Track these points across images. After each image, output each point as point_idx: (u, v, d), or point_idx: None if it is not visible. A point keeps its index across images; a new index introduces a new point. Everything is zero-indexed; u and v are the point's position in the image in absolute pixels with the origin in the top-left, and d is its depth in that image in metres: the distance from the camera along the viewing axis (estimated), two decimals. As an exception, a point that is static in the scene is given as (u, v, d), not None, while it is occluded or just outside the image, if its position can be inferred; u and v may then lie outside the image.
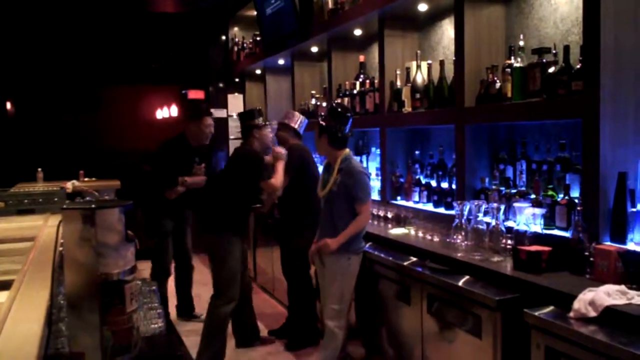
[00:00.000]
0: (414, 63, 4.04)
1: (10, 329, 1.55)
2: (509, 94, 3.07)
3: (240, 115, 4.53)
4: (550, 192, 2.90)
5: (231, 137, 8.44)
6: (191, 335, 4.46)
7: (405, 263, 3.31)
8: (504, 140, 3.44)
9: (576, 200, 2.76)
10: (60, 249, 3.12)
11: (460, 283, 2.81)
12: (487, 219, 3.11)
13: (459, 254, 3.08)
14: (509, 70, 3.07)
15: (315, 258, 3.64)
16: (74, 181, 6.39)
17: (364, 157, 4.98)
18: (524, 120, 3.07)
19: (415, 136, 4.37)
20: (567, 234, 2.75)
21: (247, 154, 4.24)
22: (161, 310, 2.31)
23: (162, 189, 4.69)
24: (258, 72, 7.47)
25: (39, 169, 6.87)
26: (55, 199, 4.24)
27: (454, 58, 3.60)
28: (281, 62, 6.62)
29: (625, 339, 1.95)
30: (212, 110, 9.33)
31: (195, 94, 15.39)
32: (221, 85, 9.68)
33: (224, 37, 8.80)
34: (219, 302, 4.01)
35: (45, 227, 3.40)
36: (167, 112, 16.20)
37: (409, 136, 4.39)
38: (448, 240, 3.34)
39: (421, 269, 3.14)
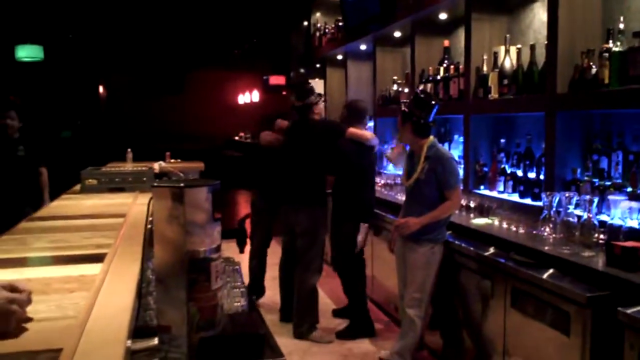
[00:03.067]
0: (502, 47, 3.88)
1: (104, 301, 1.63)
2: (606, 80, 2.90)
3: (299, 91, 4.46)
4: (649, 185, 2.72)
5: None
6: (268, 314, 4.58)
7: (488, 254, 3.21)
8: (598, 130, 3.26)
9: (680, 195, 2.58)
10: (150, 225, 3.27)
11: (547, 277, 2.70)
12: (578, 212, 2.96)
13: (546, 247, 2.95)
14: (606, 54, 2.89)
15: (396, 244, 3.62)
16: (161, 162, 6.65)
17: (446, 145, 4.87)
18: (622, 108, 2.89)
19: (500, 124, 4.21)
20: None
21: (329, 126, 4.36)
22: (244, 289, 2.36)
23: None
24: (339, 57, 7.45)
25: (129, 150, 7.19)
26: (144, 179, 4.41)
27: (545, 42, 3.45)
28: (363, 47, 6.57)
29: None
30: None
31: (276, 80, 15.65)
32: (302, 70, 9.75)
33: (305, 23, 8.84)
34: (309, 275, 4.13)
35: (134, 204, 3.56)
36: (248, 97, 16.59)
37: (494, 124, 4.24)
38: (534, 232, 3.21)
39: (505, 260, 3.04)
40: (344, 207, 4.35)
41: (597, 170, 3.13)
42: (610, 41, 2.92)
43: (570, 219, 2.96)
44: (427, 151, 3.46)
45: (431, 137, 3.53)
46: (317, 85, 8.50)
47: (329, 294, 5.26)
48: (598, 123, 3.27)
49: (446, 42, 4.87)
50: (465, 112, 4.24)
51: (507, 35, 3.89)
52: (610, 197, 2.79)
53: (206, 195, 1.95)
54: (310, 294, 4.25)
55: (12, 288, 1.41)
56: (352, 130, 4.31)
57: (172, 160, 7.67)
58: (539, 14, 3.85)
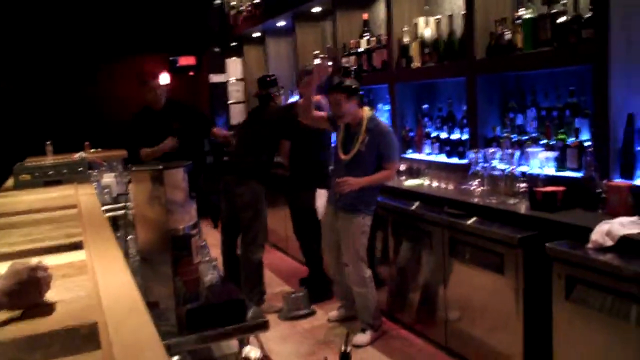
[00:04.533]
0: (422, 19, 4.17)
1: (106, 280, 1.73)
2: (520, 45, 3.23)
3: (261, 82, 4.81)
4: (561, 136, 3.09)
5: (230, 101, 8.54)
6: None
7: (423, 210, 3.51)
8: (513, 90, 3.61)
9: (586, 143, 2.97)
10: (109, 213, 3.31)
11: (479, 224, 3.03)
12: (502, 165, 3.31)
13: (475, 199, 3.28)
14: (519, 21, 3.22)
15: (326, 214, 3.81)
16: (82, 153, 6.50)
17: (372, 114, 5.13)
18: (536, 69, 3.24)
19: (422, 91, 4.52)
20: (578, 175, 2.96)
21: (282, 112, 4.59)
22: (215, 262, 2.50)
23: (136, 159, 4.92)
24: (257, 35, 7.51)
25: (48, 142, 6.96)
26: (80, 169, 4.37)
27: (461, 13, 3.75)
28: (281, 23, 6.68)
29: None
30: (210, 75, 9.38)
31: (186, 60, 15.33)
32: (217, 50, 9.70)
33: (218, 1, 8.79)
34: (254, 249, 4.29)
35: (80, 195, 3.56)
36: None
37: (417, 91, 4.54)
38: (463, 187, 3.54)
39: (440, 214, 3.35)
40: (301, 174, 4.53)
41: (514, 127, 3.48)
42: (522, 9, 3.25)
43: (495, 172, 3.31)
44: (368, 123, 3.60)
45: (368, 110, 3.71)
46: (235, 63, 8.54)
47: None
48: (512, 84, 3.62)
49: (365, 15, 5.10)
50: (390, 82, 4.51)
51: (426, 7, 4.17)
52: (529, 150, 3.15)
53: (183, 175, 2.08)
54: (257, 268, 4.41)
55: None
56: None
57: (92, 150, 7.50)
58: (452, -14, 4.15)
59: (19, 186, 4.12)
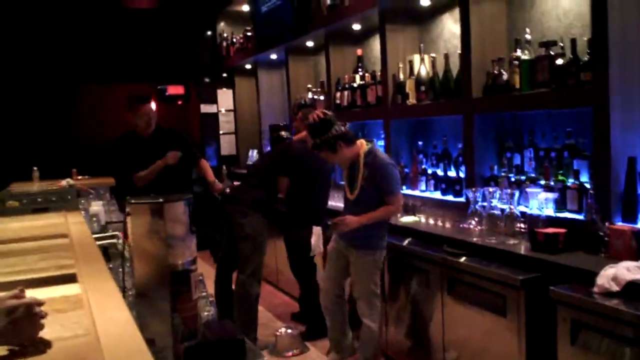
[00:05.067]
0: (417, 56, 4.20)
1: (103, 317, 1.64)
2: (517, 85, 3.25)
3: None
4: (560, 177, 3.09)
5: (221, 132, 8.51)
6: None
7: (422, 248, 3.46)
8: (510, 130, 3.62)
9: (586, 185, 2.96)
10: (98, 242, 3.21)
11: (481, 265, 2.99)
12: (500, 205, 3.28)
13: (474, 239, 3.25)
14: (516, 62, 3.25)
15: (337, 244, 3.70)
16: (69, 179, 6.39)
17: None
18: (535, 109, 3.25)
19: (417, 127, 4.53)
20: (579, 217, 2.95)
21: (288, 152, 4.56)
22: (212, 298, 2.42)
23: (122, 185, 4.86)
24: (248, 67, 7.53)
25: (35, 168, 6.82)
26: (69, 197, 4.29)
27: (456, 51, 3.79)
28: (274, 56, 6.71)
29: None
30: (201, 105, 9.35)
31: (175, 90, 15.37)
32: (207, 80, 9.71)
33: (209, 32, 8.83)
34: (252, 282, 4.21)
35: (70, 224, 3.46)
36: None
37: (412, 127, 4.54)
38: (461, 226, 3.51)
39: (439, 253, 3.30)
40: (297, 211, 4.46)
41: (512, 167, 3.48)
42: (519, 50, 3.28)
43: (494, 211, 3.29)
44: (365, 157, 3.50)
45: (365, 144, 3.59)
46: (226, 95, 8.54)
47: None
48: (509, 124, 3.63)
49: (359, 51, 5.13)
50: (385, 117, 4.51)
51: (422, 45, 4.20)
52: (529, 190, 3.13)
53: (184, 208, 2.02)
54: (254, 302, 4.26)
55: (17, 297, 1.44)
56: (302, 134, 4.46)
57: (80, 177, 7.38)
58: (448, 25, 4.20)
59: (6, 213, 4.01)
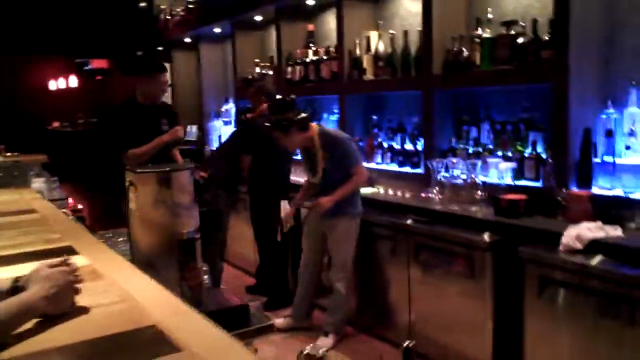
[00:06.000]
0: (374, 33, 4.31)
1: (131, 284, 1.63)
2: (477, 62, 3.43)
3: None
4: (519, 148, 3.31)
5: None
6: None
7: (390, 218, 3.61)
8: (465, 105, 3.81)
9: (542, 155, 3.20)
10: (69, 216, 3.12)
11: (449, 230, 3.17)
12: (462, 175, 3.48)
13: (438, 207, 3.43)
14: (477, 40, 3.42)
15: (309, 222, 3.79)
16: (-2, 156, 6.07)
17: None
18: (496, 85, 3.44)
19: (371, 102, 4.65)
20: (535, 184, 3.19)
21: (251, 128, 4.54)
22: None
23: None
24: (188, 40, 7.36)
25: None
26: (15, 173, 4.10)
27: (413, 29, 3.96)
28: (217, 30, 6.61)
29: (608, 264, 2.40)
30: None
31: (99, 63, 14.73)
32: (139, 54, 9.41)
33: (144, 4, 8.54)
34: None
35: (30, 199, 3.34)
36: (63, 83, 15.32)
37: (366, 102, 4.66)
38: (422, 195, 3.69)
39: (402, 221, 3.47)
40: (262, 185, 4.49)
41: (468, 139, 3.68)
42: (479, 29, 3.45)
43: (456, 181, 3.48)
44: (320, 140, 3.58)
45: (315, 125, 3.67)
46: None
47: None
48: (464, 99, 3.82)
49: (310, 27, 5.18)
50: (341, 92, 4.60)
51: (380, 22, 4.31)
52: (489, 160, 3.35)
53: (189, 177, 2.03)
54: (216, 279, 4.30)
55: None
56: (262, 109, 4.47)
57: (9, 154, 7.00)
58: (405, 4, 4.32)
59: (-52, 191, 3.79)
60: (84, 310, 1.41)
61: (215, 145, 6.96)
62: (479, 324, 2.98)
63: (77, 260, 1.93)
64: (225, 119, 6.93)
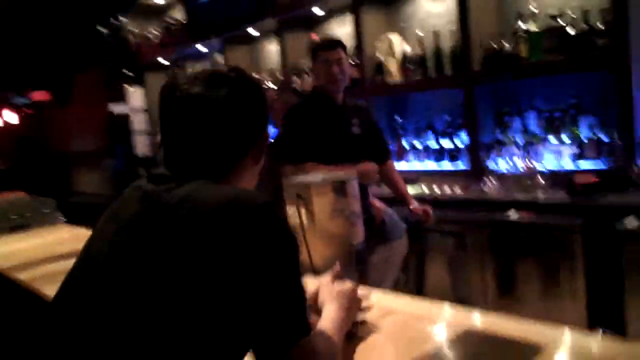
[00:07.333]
0: (395, 36, 4.38)
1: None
2: (523, 55, 3.56)
3: None
4: (576, 132, 3.46)
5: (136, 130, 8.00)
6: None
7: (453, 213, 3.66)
8: (505, 98, 3.93)
9: (601, 137, 3.37)
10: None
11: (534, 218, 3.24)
12: (518, 164, 3.60)
13: (519, 197, 3.45)
14: (522, 34, 3.55)
15: None
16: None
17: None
18: (544, 75, 3.58)
19: (395, 105, 4.72)
20: (597, 166, 3.34)
21: None
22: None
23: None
24: (163, 62, 7.17)
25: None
26: (46, 210, 3.87)
27: (438, 29, 4.13)
28: (203, 49, 6.47)
29: None
30: (110, 104, 8.65)
31: (41, 96, 14.05)
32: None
33: (105, 30, 8.21)
34: None
35: (72, 239, 3.15)
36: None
37: (390, 106, 4.73)
38: (474, 189, 3.76)
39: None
40: None
41: (511, 130, 3.81)
42: (520, 22, 3.58)
43: (513, 171, 3.60)
44: None
45: None
46: (135, 95, 8.02)
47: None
48: (503, 93, 3.95)
49: (314, 36, 5.19)
50: (364, 98, 4.63)
51: (402, 24, 4.40)
52: (546, 146, 3.48)
53: (357, 186, 2.01)
54: None
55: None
56: None
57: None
58: (424, 5, 4.41)
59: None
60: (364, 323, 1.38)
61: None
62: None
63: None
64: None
